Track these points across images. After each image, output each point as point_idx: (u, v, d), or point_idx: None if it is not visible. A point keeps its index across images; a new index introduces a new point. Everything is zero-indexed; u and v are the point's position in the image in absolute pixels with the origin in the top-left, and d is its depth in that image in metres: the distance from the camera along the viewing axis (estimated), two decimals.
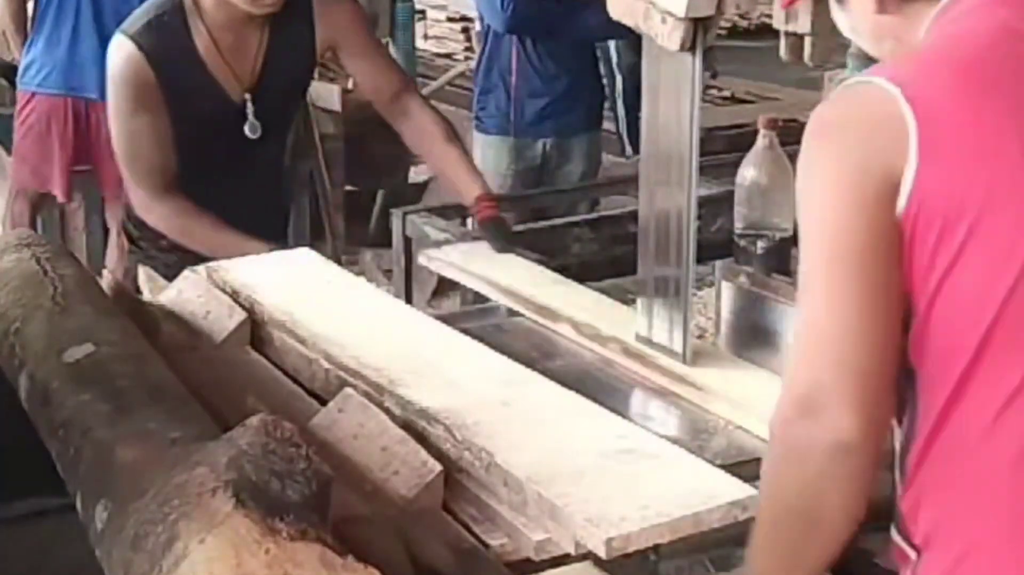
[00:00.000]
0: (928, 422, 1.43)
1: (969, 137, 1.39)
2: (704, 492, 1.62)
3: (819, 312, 1.43)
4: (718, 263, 2.26)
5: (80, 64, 4.73)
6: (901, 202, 1.38)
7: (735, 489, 1.63)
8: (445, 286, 4.66)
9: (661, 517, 1.56)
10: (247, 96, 2.89)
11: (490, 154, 4.52)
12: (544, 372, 2.25)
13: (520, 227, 3.51)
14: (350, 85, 6.36)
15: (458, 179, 3.01)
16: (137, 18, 2.85)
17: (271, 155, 3.08)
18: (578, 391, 2.10)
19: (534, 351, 2.40)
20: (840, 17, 1.61)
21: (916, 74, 1.44)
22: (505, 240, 2.81)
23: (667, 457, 1.72)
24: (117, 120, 2.87)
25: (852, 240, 1.41)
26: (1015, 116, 1.40)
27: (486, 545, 1.61)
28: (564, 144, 4.57)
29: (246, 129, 2.89)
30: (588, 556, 1.56)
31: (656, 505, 1.58)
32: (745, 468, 1.89)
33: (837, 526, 1.45)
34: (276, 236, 2.98)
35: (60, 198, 4.93)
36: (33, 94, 4.79)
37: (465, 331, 2.39)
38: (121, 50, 2.80)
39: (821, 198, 1.46)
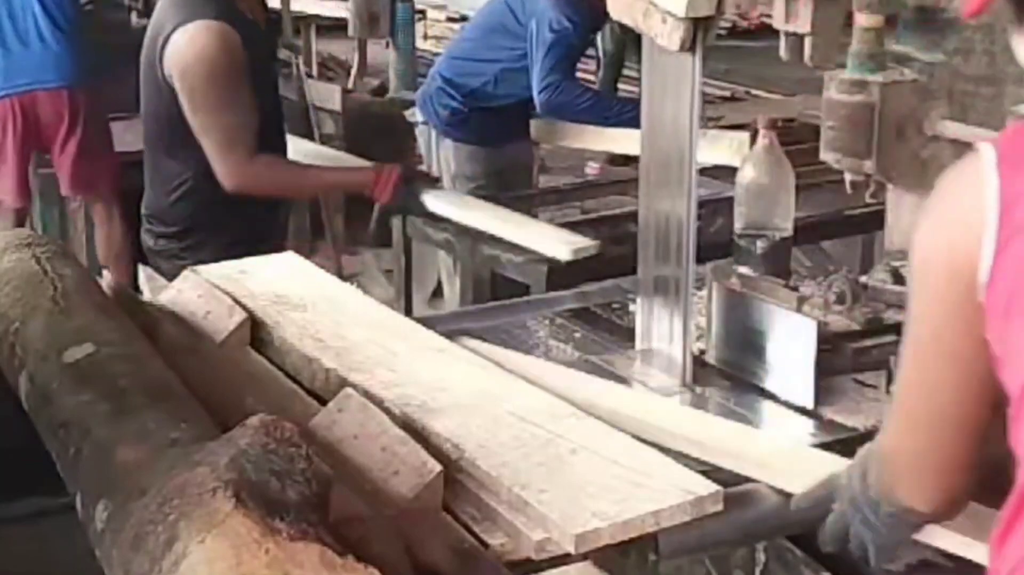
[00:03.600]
0: (1011, 509, 1.35)
1: None
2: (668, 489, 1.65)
3: (903, 384, 1.44)
4: (709, 264, 2.27)
5: (13, 62, 4.78)
6: (980, 286, 1.29)
7: (699, 486, 1.66)
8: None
9: (627, 514, 1.59)
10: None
11: (463, 158, 4.52)
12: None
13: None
14: (350, 85, 6.38)
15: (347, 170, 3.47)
16: (201, 4, 2.98)
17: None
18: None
19: (533, 351, 2.40)
20: (1019, 45, 1.36)
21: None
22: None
23: (638, 456, 1.74)
24: (221, 97, 2.98)
25: (931, 317, 1.37)
26: None
27: (486, 545, 1.61)
28: (524, 148, 4.61)
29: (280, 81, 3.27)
30: (588, 556, 1.57)
31: (624, 503, 1.61)
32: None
33: None
34: None
35: (20, 203, 4.96)
36: None
37: (464, 331, 2.40)
38: (212, 32, 2.95)
39: (917, 277, 1.40)
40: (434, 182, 3.54)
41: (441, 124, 4.56)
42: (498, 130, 4.51)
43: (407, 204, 3.36)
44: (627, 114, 4.36)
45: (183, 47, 2.97)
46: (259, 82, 3.07)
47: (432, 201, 3.37)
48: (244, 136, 3.03)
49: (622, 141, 4.00)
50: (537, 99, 4.32)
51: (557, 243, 3.07)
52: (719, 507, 1.64)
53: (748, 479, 1.82)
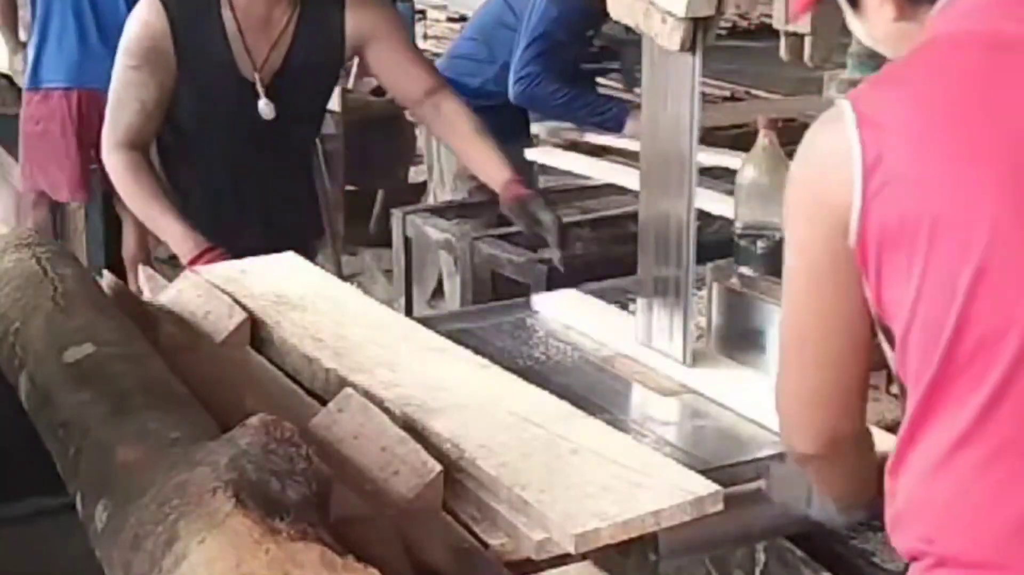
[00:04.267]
0: (902, 440, 1.46)
1: (915, 165, 1.38)
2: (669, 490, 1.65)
3: (788, 331, 1.53)
4: (709, 265, 2.27)
5: (90, 57, 4.77)
6: (851, 234, 1.41)
7: (699, 486, 1.65)
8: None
9: (627, 514, 1.58)
10: (258, 76, 2.92)
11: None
12: (540, 372, 2.26)
13: (519, 227, 3.52)
14: (350, 85, 6.38)
15: (487, 165, 3.11)
16: None
17: (291, 139, 3.08)
18: (573, 390, 2.11)
19: (533, 350, 2.40)
20: (856, 25, 1.61)
21: (878, 98, 1.45)
22: (541, 215, 2.92)
23: (638, 456, 1.74)
24: (117, 67, 2.91)
25: (811, 264, 1.48)
26: (977, 138, 1.38)
27: (486, 545, 1.61)
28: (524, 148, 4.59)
29: (259, 107, 2.92)
30: (588, 556, 1.57)
31: (624, 503, 1.60)
32: (742, 469, 1.90)
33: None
34: (295, 222, 3.04)
35: (78, 198, 4.94)
36: (45, 92, 4.81)
37: (464, 331, 2.40)
38: (148, 7, 2.87)
39: (791, 225, 1.51)
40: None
41: None
42: (498, 129, 4.48)
43: None
44: (607, 114, 4.36)
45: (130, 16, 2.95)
46: (201, 86, 2.90)
47: None
48: (121, 120, 2.89)
49: (620, 176, 3.91)
50: (512, 89, 4.31)
51: None
52: (719, 507, 1.64)
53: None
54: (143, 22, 2.87)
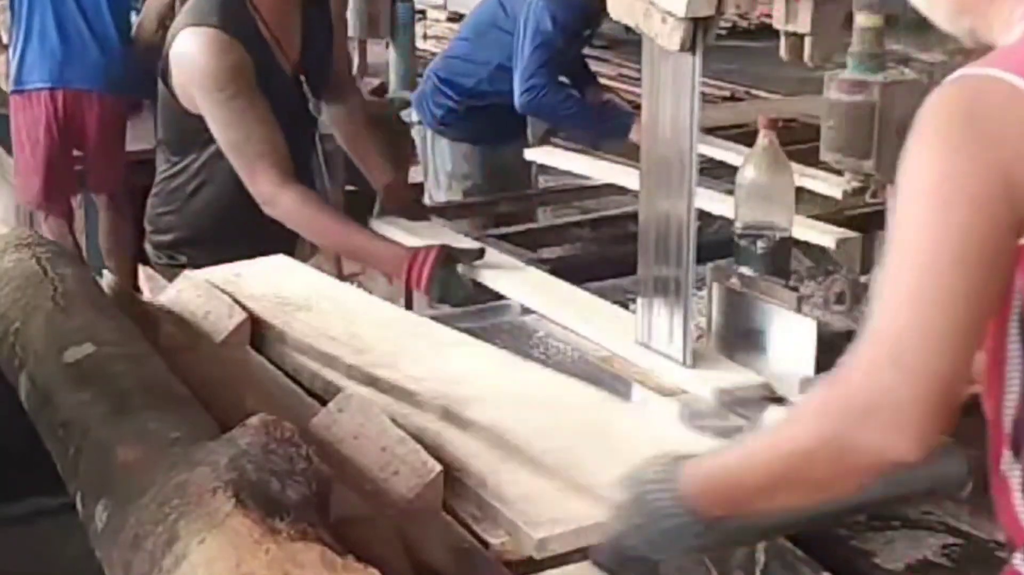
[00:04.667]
0: None
1: None
2: None
3: (906, 315, 1.28)
4: (709, 265, 2.27)
5: (74, 57, 4.75)
6: None
7: None
8: None
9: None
10: (298, 73, 2.96)
11: (458, 157, 4.52)
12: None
13: (520, 227, 3.53)
14: None
15: (372, 163, 3.24)
16: (202, 7, 2.80)
17: (313, 131, 3.16)
18: None
19: (532, 351, 2.40)
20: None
21: None
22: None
23: (645, 453, 1.72)
24: (220, 109, 2.76)
25: (964, 251, 1.26)
26: None
27: (487, 544, 1.61)
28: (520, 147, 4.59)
29: (311, 106, 3.00)
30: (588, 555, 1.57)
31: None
32: None
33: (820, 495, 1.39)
34: None
35: (66, 205, 4.93)
36: (29, 95, 4.79)
37: (464, 331, 2.40)
38: (210, 40, 2.74)
39: (935, 195, 1.29)
40: (478, 255, 2.77)
41: (435, 123, 4.56)
42: (493, 129, 4.50)
43: (446, 291, 2.69)
44: (612, 123, 4.36)
45: (185, 57, 2.78)
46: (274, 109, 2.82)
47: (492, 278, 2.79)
48: (262, 154, 2.74)
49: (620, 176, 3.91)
50: (518, 100, 4.30)
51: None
52: None
53: None
54: (222, 58, 2.74)
